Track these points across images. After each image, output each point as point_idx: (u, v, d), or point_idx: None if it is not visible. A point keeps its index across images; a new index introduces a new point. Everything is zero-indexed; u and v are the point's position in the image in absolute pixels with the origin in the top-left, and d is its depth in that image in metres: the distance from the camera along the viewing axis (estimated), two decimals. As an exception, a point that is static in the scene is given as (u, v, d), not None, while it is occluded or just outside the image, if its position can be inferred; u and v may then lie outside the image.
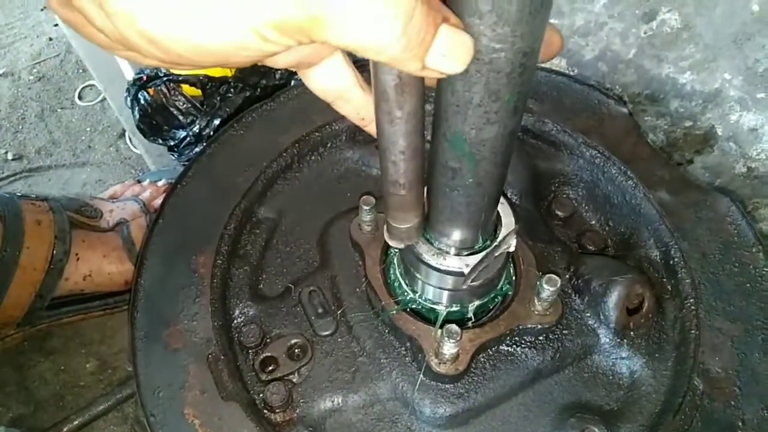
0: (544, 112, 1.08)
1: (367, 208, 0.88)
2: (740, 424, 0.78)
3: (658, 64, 1.32)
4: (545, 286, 0.80)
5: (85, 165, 1.77)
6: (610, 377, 0.87)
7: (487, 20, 0.46)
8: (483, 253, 0.75)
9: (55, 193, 1.69)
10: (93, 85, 1.94)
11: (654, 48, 1.30)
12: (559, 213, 1.05)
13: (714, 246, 0.93)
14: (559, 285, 0.80)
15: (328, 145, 1.10)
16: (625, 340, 0.86)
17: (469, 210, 0.70)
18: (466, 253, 0.76)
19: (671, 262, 0.93)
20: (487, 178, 0.64)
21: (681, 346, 0.86)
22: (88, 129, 1.87)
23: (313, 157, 1.10)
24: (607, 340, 0.87)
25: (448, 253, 0.76)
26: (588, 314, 0.88)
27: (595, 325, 0.87)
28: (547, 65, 1.42)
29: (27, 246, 1.05)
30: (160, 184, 1.38)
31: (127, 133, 1.78)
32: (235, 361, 0.85)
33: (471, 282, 0.77)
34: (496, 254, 0.76)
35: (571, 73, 1.36)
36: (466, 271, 0.75)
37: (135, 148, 1.75)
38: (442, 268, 0.76)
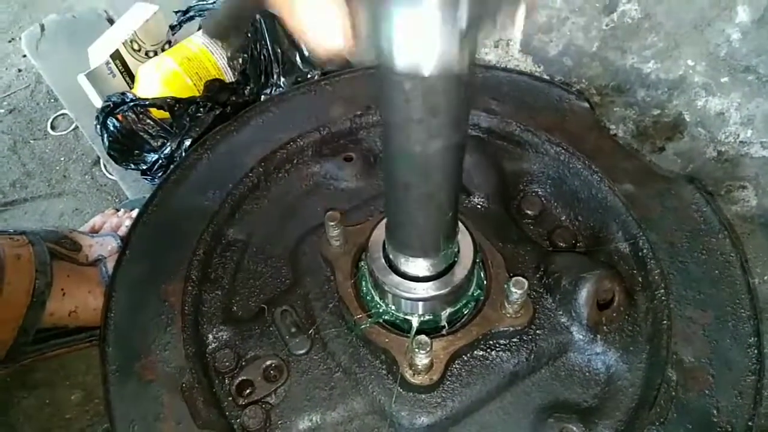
0: (507, 113, 1.08)
1: (333, 224, 0.88)
2: (715, 412, 0.78)
3: (622, 55, 1.32)
4: (513, 289, 0.80)
5: (61, 195, 1.76)
6: (586, 374, 0.87)
7: None
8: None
9: (33, 225, 1.68)
10: (65, 114, 1.93)
11: (617, 39, 1.30)
12: (529, 212, 1.06)
13: (681, 235, 0.93)
14: (526, 287, 0.80)
15: (295, 161, 1.10)
16: (599, 336, 0.87)
17: (428, 222, 0.70)
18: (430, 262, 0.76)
19: (640, 254, 0.93)
20: (439, 189, 0.64)
21: (654, 338, 0.86)
22: (62, 158, 1.86)
23: (280, 175, 1.09)
24: (581, 337, 0.87)
25: (413, 263, 0.76)
26: (560, 312, 0.88)
27: (568, 323, 0.87)
28: (510, 64, 1.42)
29: (8, 282, 1.04)
30: (134, 213, 1.37)
31: (101, 160, 1.78)
32: (211, 388, 0.85)
33: None
34: None
35: (532, 71, 1.37)
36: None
37: (110, 174, 1.75)
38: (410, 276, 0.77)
